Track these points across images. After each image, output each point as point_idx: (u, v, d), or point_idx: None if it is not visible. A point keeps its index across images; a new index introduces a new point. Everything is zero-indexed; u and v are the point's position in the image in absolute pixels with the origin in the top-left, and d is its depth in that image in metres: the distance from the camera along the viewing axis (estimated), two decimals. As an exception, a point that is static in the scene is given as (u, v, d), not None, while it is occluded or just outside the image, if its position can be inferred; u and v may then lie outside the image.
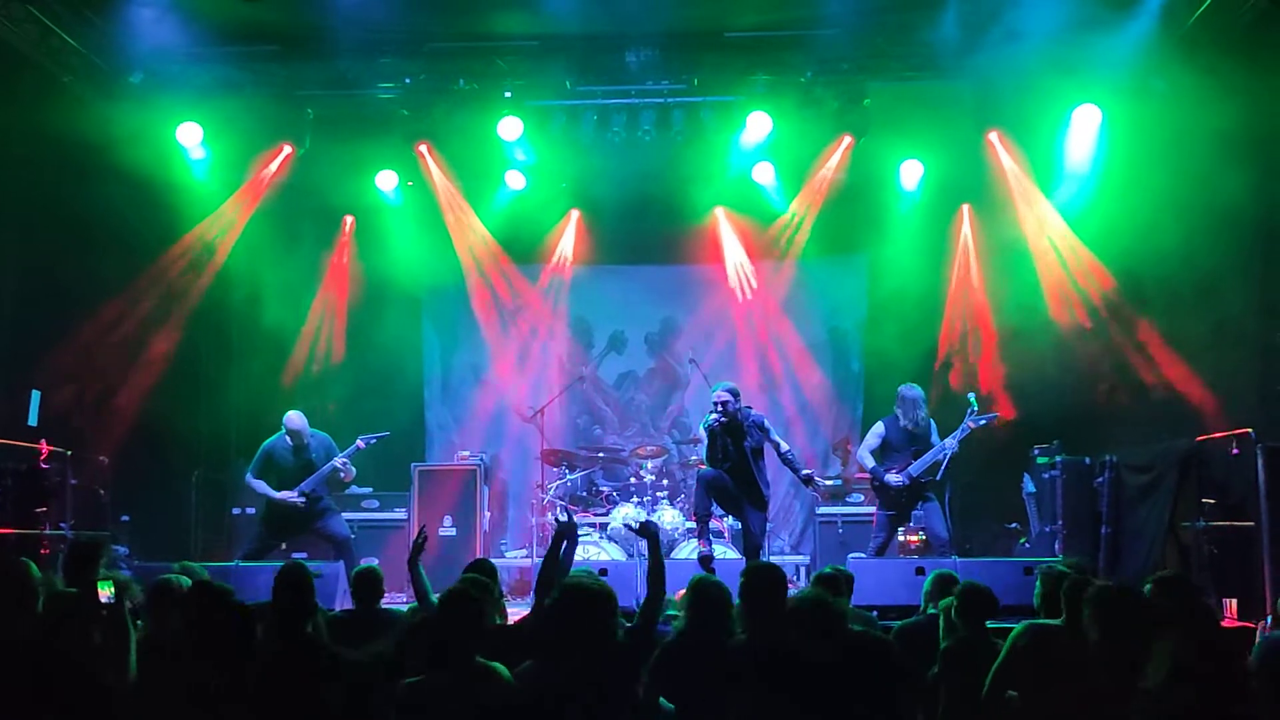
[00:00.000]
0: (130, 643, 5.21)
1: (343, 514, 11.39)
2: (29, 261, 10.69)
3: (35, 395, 10.58)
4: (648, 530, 6.33)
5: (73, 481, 10.65)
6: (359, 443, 11.00)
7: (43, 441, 10.30)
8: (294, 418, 10.94)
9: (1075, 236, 12.41)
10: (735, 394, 10.27)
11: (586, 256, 14.96)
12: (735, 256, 14.73)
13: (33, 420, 10.52)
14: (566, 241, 14.91)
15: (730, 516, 11.41)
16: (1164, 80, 10.84)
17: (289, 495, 10.74)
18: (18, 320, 10.52)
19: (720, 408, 10.10)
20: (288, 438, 10.88)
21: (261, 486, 10.84)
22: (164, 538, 11.82)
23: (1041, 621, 5.55)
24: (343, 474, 10.96)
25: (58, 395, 10.88)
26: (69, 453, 10.62)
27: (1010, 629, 5.54)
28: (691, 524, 12.08)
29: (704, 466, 10.45)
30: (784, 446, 10.24)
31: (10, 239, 10.49)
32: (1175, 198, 10.35)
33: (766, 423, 10.37)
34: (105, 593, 5.38)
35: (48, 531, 10.17)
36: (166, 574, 6.45)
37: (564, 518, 7.00)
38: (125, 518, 11.64)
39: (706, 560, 10.04)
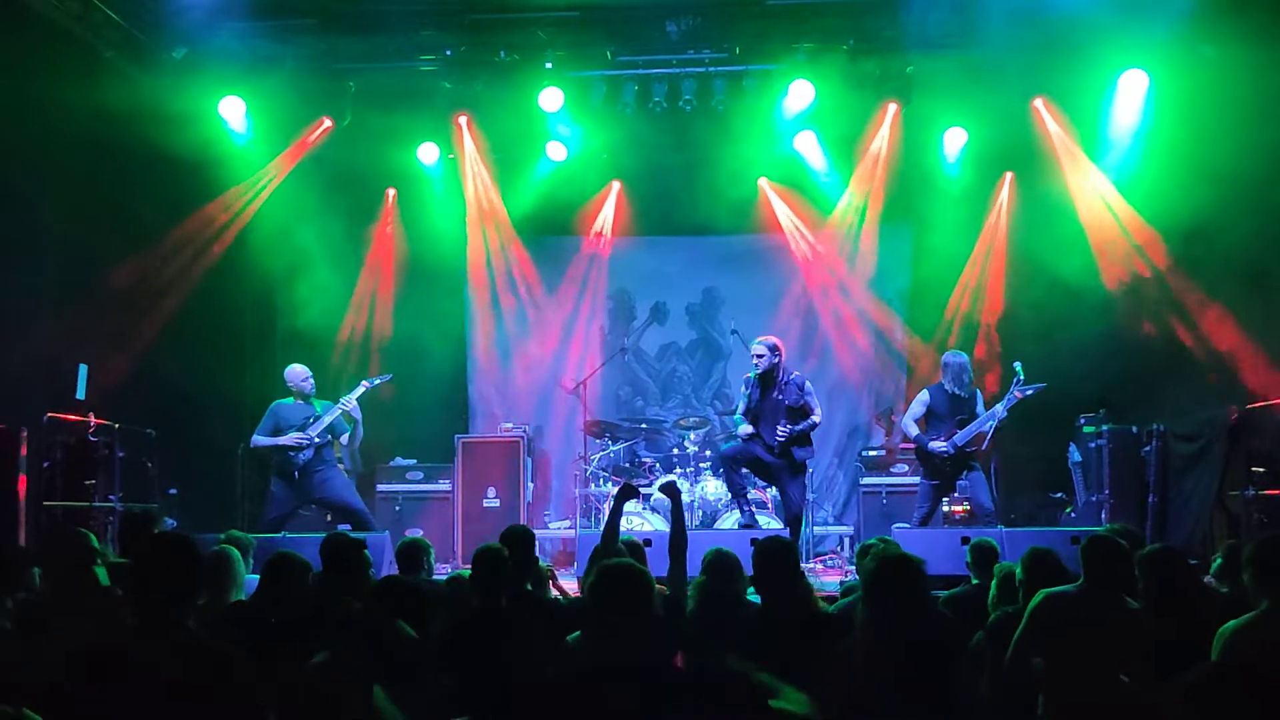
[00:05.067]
0: None
1: (382, 485, 11.37)
2: (71, 237, 10.75)
3: (82, 369, 10.66)
4: (671, 490, 6.37)
5: (120, 454, 10.76)
6: (364, 384, 10.97)
7: (90, 414, 10.40)
8: (295, 370, 10.95)
9: (1123, 202, 12.30)
10: (774, 349, 10.34)
11: (628, 228, 14.91)
12: (785, 223, 14.65)
13: (80, 393, 10.61)
14: (607, 213, 14.87)
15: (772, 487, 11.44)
16: (1213, 45, 10.70)
17: (298, 436, 10.66)
18: (62, 295, 10.60)
19: (757, 361, 10.20)
20: (292, 395, 10.88)
21: (266, 440, 10.74)
22: (211, 510, 11.91)
23: (1060, 589, 5.51)
24: (347, 435, 10.91)
25: (104, 369, 10.96)
26: (117, 426, 10.72)
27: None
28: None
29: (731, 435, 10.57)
30: (814, 419, 10.25)
31: (52, 215, 10.56)
32: (1224, 164, 10.20)
33: (809, 385, 10.40)
34: None
35: (97, 504, 10.29)
36: (217, 545, 6.51)
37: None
38: (172, 490, 11.73)
39: (749, 529, 10.12)
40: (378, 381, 11.17)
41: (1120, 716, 5.10)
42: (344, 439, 11.00)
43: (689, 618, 5.53)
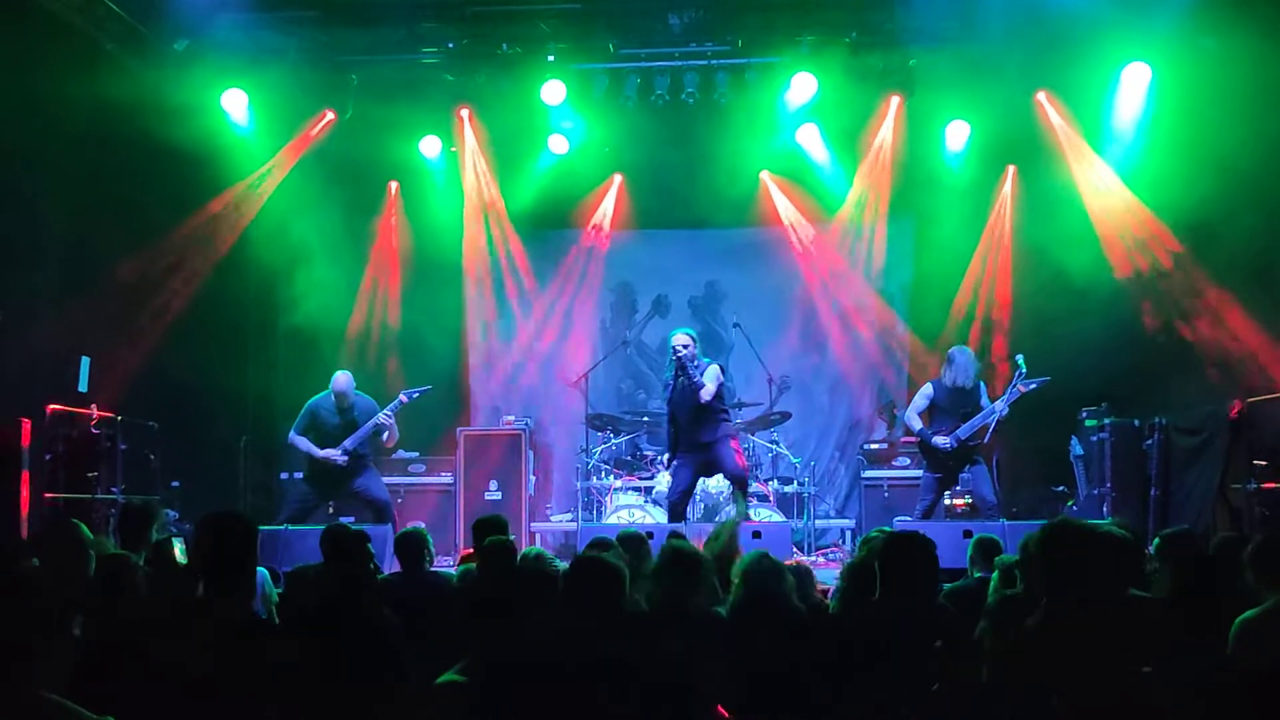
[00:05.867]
0: None
1: (383, 478, 11.49)
2: (74, 230, 10.76)
3: (85, 361, 10.68)
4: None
5: (123, 447, 10.78)
6: (401, 397, 11.12)
7: (93, 406, 10.41)
8: (341, 379, 11.04)
9: (1126, 196, 12.30)
10: (695, 339, 10.43)
11: (630, 221, 14.92)
12: (787, 217, 14.66)
13: (83, 386, 10.61)
14: (608, 205, 14.88)
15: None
16: (1215, 38, 10.69)
17: (332, 453, 10.83)
18: (65, 287, 10.60)
19: (685, 350, 10.25)
20: (332, 398, 10.98)
21: (304, 444, 10.95)
22: (213, 502, 11.85)
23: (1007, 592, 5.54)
24: (386, 435, 11.04)
25: (106, 361, 10.97)
26: (119, 418, 10.73)
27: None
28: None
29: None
30: (704, 388, 10.21)
31: (55, 208, 10.56)
32: (1227, 157, 10.21)
33: (713, 370, 10.36)
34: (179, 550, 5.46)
35: (99, 496, 10.30)
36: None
37: None
38: (175, 483, 11.76)
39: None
40: (416, 394, 11.30)
41: (1134, 709, 5.07)
42: (384, 436, 11.12)
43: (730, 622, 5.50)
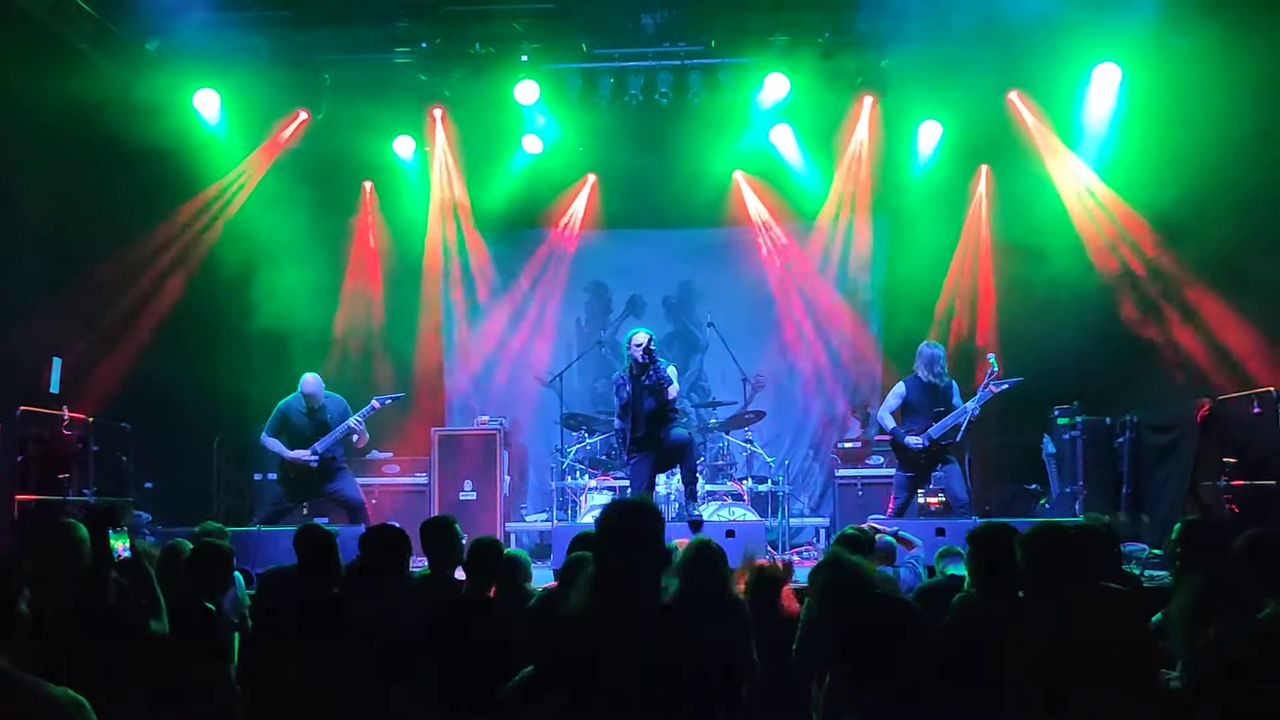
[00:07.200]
0: (157, 595, 5.25)
1: (357, 478, 11.49)
2: (47, 231, 10.72)
3: (56, 363, 10.62)
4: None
5: (95, 448, 10.74)
6: (374, 403, 11.09)
7: (64, 408, 10.36)
8: (309, 381, 11.01)
9: (1100, 194, 12.36)
10: (654, 338, 10.33)
11: (604, 220, 14.93)
12: (760, 216, 14.70)
13: (54, 387, 10.56)
14: (581, 205, 14.89)
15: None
16: (1185, 38, 10.75)
17: (302, 454, 10.82)
18: (37, 288, 10.55)
19: (649, 352, 10.11)
20: (302, 399, 10.96)
21: (275, 445, 10.94)
22: (186, 504, 11.87)
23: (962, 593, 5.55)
24: (356, 437, 11.03)
25: (78, 363, 10.91)
26: (91, 420, 10.69)
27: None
28: (711, 486, 12.23)
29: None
30: (672, 384, 10.17)
31: (28, 207, 10.51)
32: (1198, 157, 10.25)
33: (670, 371, 10.29)
34: (120, 545, 5.40)
35: (70, 498, 10.25)
36: (178, 539, 6.50)
37: None
38: (148, 484, 11.72)
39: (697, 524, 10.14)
40: (389, 400, 11.33)
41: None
42: (354, 438, 11.10)
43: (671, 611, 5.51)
